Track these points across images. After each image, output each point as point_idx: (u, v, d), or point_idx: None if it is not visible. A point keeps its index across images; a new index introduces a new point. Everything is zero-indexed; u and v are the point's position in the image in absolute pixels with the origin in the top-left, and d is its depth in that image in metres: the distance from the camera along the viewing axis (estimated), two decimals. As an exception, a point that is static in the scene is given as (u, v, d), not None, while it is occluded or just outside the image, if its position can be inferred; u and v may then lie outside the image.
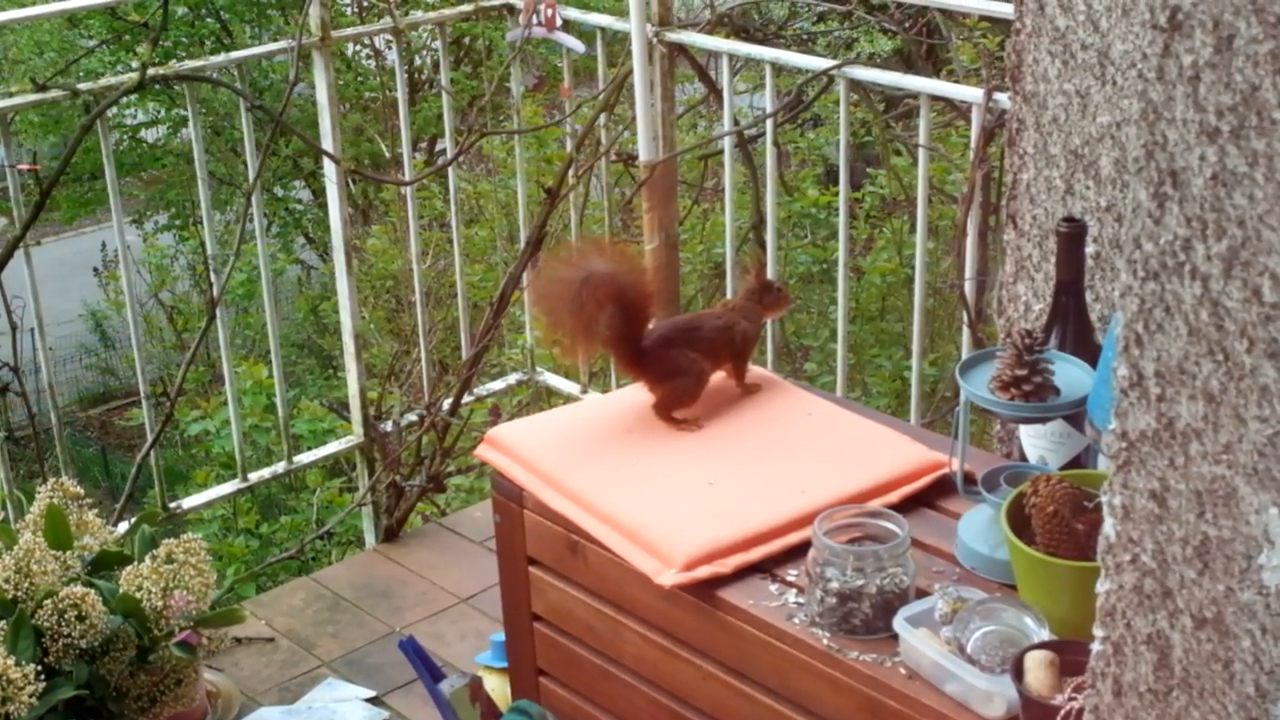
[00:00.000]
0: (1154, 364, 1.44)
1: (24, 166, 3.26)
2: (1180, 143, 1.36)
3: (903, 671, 1.94)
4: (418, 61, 9.70)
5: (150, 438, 3.44)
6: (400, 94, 3.88)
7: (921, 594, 2.03)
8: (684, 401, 2.50)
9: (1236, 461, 1.38)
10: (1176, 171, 1.37)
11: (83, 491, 2.86)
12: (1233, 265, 1.34)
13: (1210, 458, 1.40)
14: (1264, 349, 1.33)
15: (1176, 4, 1.33)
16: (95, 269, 10.98)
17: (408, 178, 3.89)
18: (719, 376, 2.56)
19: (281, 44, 3.64)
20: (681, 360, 2.48)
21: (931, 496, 2.31)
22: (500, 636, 2.71)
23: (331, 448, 3.99)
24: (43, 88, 3.16)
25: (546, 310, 2.58)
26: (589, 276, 2.42)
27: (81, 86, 3.22)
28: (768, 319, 2.63)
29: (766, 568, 2.16)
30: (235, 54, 3.63)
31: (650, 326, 2.51)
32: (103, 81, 3.32)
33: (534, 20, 3.59)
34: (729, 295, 3.66)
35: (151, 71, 3.22)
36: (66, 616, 2.54)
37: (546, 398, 4.44)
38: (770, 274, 3.60)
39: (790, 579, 2.13)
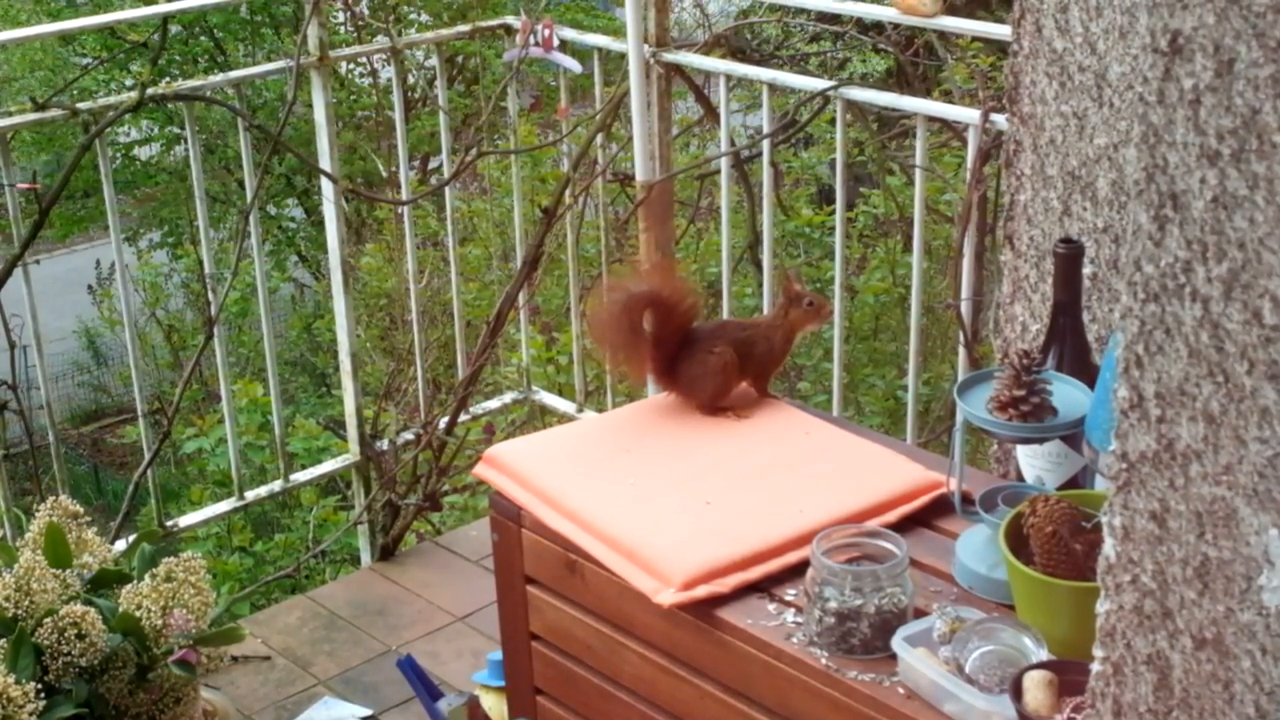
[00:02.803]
0: (1154, 385, 1.44)
1: (23, 185, 3.26)
2: (1181, 166, 1.37)
3: (901, 691, 1.94)
4: (410, 79, 9.70)
5: (148, 456, 3.44)
6: (398, 114, 3.88)
7: (920, 614, 2.04)
8: (708, 390, 2.55)
9: (1237, 483, 1.38)
10: (1177, 194, 1.38)
11: (81, 510, 2.86)
12: (1233, 287, 1.35)
13: (1210, 479, 1.41)
14: (1264, 371, 1.34)
15: (1177, 28, 1.34)
16: (90, 286, 10.97)
17: (404, 197, 3.89)
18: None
19: (280, 64, 3.64)
20: (702, 358, 2.54)
21: (929, 516, 2.31)
22: (497, 655, 2.71)
23: (328, 466, 3.99)
24: (42, 107, 3.17)
25: (601, 340, 2.70)
26: (630, 296, 2.53)
27: (80, 106, 3.23)
28: (800, 333, 2.61)
29: (765, 587, 2.16)
30: (234, 73, 3.65)
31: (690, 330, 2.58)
32: (101, 100, 3.32)
33: (531, 40, 3.60)
34: (725, 315, 3.67)
35: (150, 91, 3.23)
36: (66, 635, 2.54)
37: (541, 416, 4.44)
38: (765, 293, 3.61)
39: (789, 598, 2.13)
